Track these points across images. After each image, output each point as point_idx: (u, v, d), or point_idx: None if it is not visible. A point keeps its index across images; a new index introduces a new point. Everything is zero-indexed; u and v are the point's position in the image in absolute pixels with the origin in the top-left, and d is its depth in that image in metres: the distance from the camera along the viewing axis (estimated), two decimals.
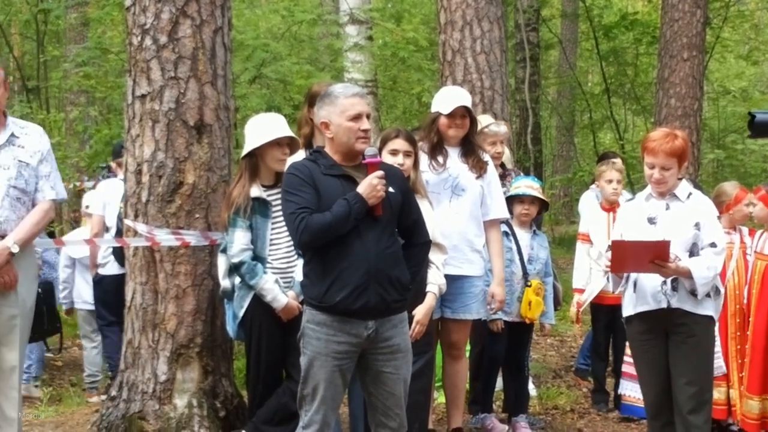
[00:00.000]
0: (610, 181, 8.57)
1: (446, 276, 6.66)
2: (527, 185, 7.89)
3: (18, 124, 6.39)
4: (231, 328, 6.60)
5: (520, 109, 19.24)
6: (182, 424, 6.94)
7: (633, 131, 26.46)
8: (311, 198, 5.25)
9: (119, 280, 8.88)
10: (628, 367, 7.92)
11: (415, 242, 5.61)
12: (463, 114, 7.05)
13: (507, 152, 8.74)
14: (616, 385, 8.56)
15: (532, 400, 8.54)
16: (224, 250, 6.54)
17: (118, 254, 8.99)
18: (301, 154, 6.55)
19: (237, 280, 6.46)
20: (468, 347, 7.89)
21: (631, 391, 8.04)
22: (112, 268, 9.17)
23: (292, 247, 6.44)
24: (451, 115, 7.03)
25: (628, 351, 7.78)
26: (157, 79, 7.05)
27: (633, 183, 17.01)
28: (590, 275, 8.57)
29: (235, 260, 6.37)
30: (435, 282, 6.45)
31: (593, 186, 9.89)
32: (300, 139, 6.83)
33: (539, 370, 10.09)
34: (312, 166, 5.37)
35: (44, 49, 21.88)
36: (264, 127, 6.49)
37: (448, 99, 7.10)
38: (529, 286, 7.70)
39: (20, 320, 6.24)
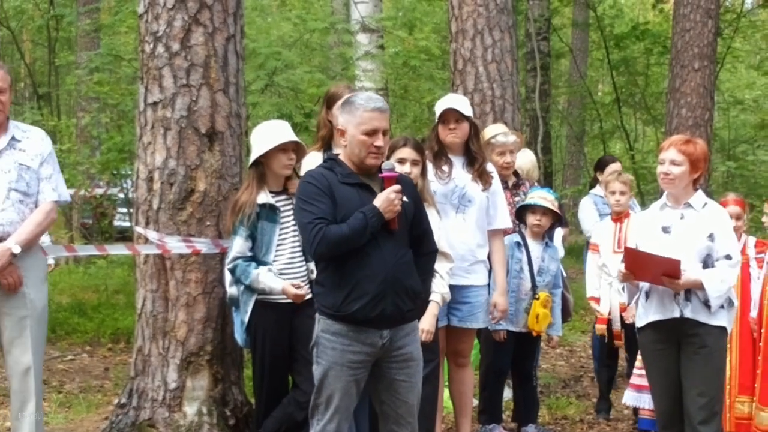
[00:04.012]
0: (613, 193, 8.56)
1: (453, 286, 6.69)
2: (540, 196, 7.86)
3: (20, 127, 6.45)
4: (239, 335, 6.60)
5: (530, 119, 19.23)
6: None
7: (643, 141, 26.49)
8: (327, 208, 5.23)
9: None
10: (640, 379, 7.85)
11: (423, 251, 5.61)
12: (458, 119, 7.04)
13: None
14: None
15: (541, 410, 8.52)
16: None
17: None
18: (316, 157, 6.55)
19: (242, 286, 6.47)
20: (478, 357, 7.89)
21: (649, 404, 7.95)
22: None
23: (296, 252, 6.45)
24: (444, 121, 7.04)
25: (638, 363, 7.76)
26: (169, 87, 7.06)
27: (643, 194, 17.00)
28: (599, 283, 8.55)
29: (229, 266, 6.41)
30: (438, 291, 6.45)
31: (592, 192, 9.89)
32: (317, 141, 6.86)
33: (548, 380, 10.07)
34: (329, 175, 5.35)
35: (56, 56, 21.95)
36: (268, 134, 6.49)
37: (439, 106, 7.14)
38: (537, 298, 7.68)
39: (30, 321, 6.28)
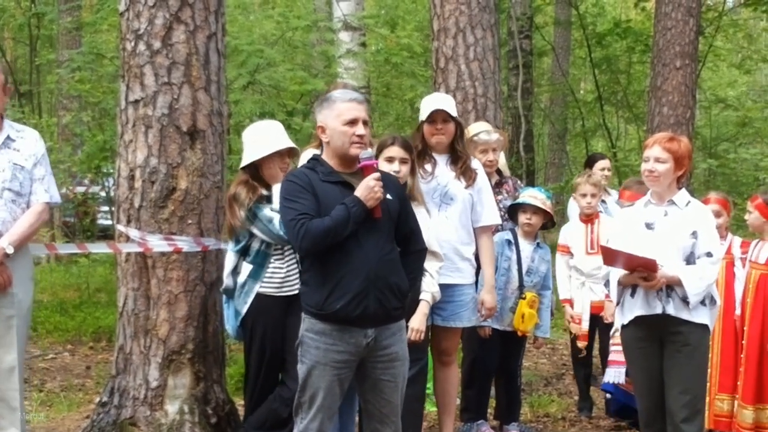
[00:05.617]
0: (584, 195, 8.54)
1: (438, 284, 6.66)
2: (530, 194, 7.86)
3: (14, 127, 6.49)
4: (231, 326, 6.55)
5: (512, 117, 19.24)
6: (173, 431, 6.93)
7: (625, 139, 26.51)
8: (310, 204, 5.24)
9: None
10: (615, 355, 7.92)
11: (411, 250, 5.61)
12: (445, 119, 7.02)
13: (503, 160, 8.72)
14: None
15: (523, 408, 8.52)
16: (238, 251, 6.48)
17: None
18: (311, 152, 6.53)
19: (240, 278, 6.40)
20: (461, 355, 7.88)
21: (616, 378, 8.00)
22: None
23: (283, 251, 6.41)
24: (431, 121, 7.02)
25: (615, 340, 7.75)
26: (151, 85, 7.04)
27: None
28: (570, 284, 8.56)
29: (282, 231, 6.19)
30: (428, 290, 6.43)
31: None
32: (315, 139, 6.83)
33: (531, 378, 10.07)
34: (310, 174, 5.38)
35: (37, 54, 21.86)
36: (265, 138, 6.47)
37: (426, 106, 7.10)
38: (524, 298, 7.69)
39: (17, 321, 6.33)
